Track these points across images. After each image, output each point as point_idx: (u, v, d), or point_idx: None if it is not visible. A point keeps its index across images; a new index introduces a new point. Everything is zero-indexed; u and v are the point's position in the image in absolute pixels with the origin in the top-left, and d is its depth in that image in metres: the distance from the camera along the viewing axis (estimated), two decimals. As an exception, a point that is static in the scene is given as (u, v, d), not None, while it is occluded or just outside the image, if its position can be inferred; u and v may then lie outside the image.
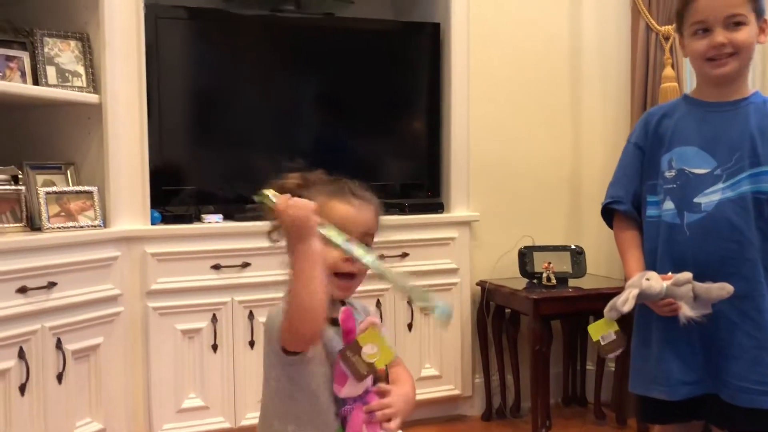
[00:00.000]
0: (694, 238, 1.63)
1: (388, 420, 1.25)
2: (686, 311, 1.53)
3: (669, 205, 1.67)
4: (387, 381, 1.34)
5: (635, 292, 1.55)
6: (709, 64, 1.64)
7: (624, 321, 1.64)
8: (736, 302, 1.58)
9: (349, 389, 1.23)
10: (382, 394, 1.28)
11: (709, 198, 1.63)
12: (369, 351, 1.21)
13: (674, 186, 1.67)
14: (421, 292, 1.14)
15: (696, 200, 1.64)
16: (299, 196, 1.31)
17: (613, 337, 1.59)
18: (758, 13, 1.63)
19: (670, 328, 1.61)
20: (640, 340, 1.72)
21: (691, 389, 1.63)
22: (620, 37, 3.15)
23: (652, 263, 1.69)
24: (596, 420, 3.02)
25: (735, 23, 1.60)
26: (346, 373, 1.22)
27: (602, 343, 1.60)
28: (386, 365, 1.29)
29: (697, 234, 1.63)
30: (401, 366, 1.38)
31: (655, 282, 1.55)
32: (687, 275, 1.55)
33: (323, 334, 1.24)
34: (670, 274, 1.59)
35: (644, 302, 1.61)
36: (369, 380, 1.25)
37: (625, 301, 1.55)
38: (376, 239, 1.37)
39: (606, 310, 1.60)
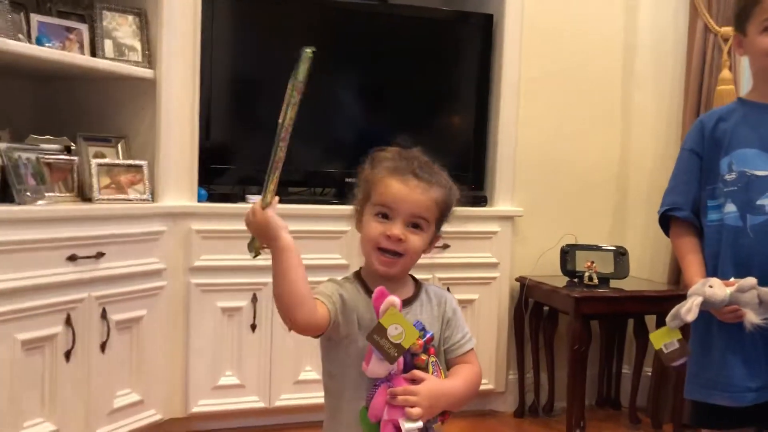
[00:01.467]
0: (759, 241, 1.59)
1: (411, 407, 1.22)
2: (752, 317, 1.49)
3: (731, 207, 1.64)
4: (427, 371, 1.31)
5: (699, 300, 1.51)
6: None
7: (684, 327, 1.60)
8: None
9: (373, 368, 1.23)
10: (413, 381, 1.25)
11: None
12: (393, 332, 1.20)
13: (735, 188, 1.63)
14: (293, 74, 1.16)
15: (759, 202, 1.60)
16: (370, 164, 1.34)
17: (677, 345, 1.55)
18: None
19: (733, 332, 1.57)
20: (700, 345, 1.67)
21: (757, 395, 1.59)
22: (677, 37, 3.09)
23: (714, 268, 1.66)
24: (630, 424, 2.97)
25: None
26: (378, 355, 1.21)
27: (665, 352, 1.56)
28: (428, 356, 1.27)
29: (762, 236, 1.59)
30: (469, 363, 1.35)
31: (719, 289, 1.52)
32: (751, 281, 1.51)
33: (340, 316, 1.26)
34: (732, 279, 1.55)
35: (707, 309, 1.57)
36: (395, 364, 1.23)
37: (689, 310, 1.51)
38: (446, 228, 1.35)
39: (668, 318, 1.56)
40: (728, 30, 2.89)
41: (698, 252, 1.70)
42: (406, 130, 2.95)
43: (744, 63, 2.95)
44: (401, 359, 1.23)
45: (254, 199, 2.63)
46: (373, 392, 1.24)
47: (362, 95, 2.99)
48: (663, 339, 1.56)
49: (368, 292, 1.28)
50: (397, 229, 1.27)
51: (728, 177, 1.65)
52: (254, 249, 1.24)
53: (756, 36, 1.63)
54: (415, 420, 1.21)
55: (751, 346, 1.58)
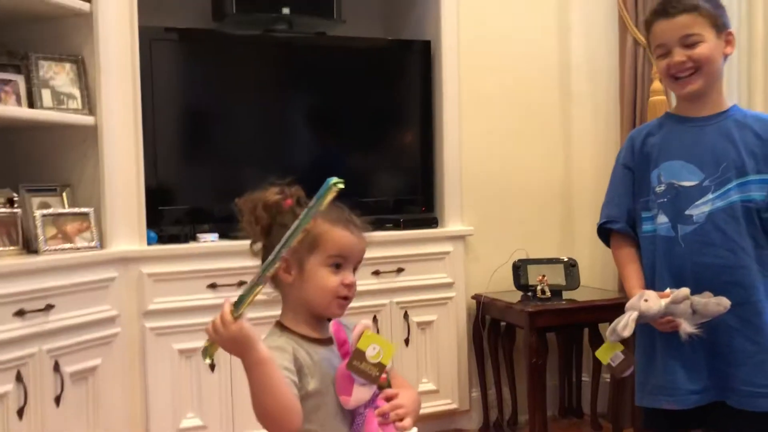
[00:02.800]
0: (690, 250, 1.67)
1: (401, 420, 1.27)
2: (686, 327, 1.56)
3: (663, 218, 1.71)
4: (390, 387, 1.36)
5: (635, 315, 1.58)
6: (675, 83, 1.71)
7: (627, 338, 1.66)
8: (736, 309, 1.61)
9: (356, 397, 1.25)
10: (390, 398, 1.30)
11: (700, 209, 1.67)
12: (372, 353, 1.24)
13: (665, 200, 1.71)
14: (314, 203, 1.14)
15: (687, 212, 1.68)
16: (294, 216, 1.33)
17: (622, 357, 1.62)
18: (719, 28, 1.68)
19: (673, 339, 1.63)
20: (644, 354, 1.74)
21: (700, 398, 1.66)
22: (609, 52, 3.20)
23: (651, 277, 1.73)
24: (592, 431, 3.03)
25: (691, 43, 1.66)
26: (358, 381, 1.24)
27: (613, 365, 1.63)
28: (387, 374, 1.31)
29: (692, 245, 1.66)
30: (398, 375, 1.41)
31: (653, 302, 1.58)
32: (684, 291, 1.58)
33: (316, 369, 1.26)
34: (668, 290, 1.62)
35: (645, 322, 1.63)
36: (375, 386, 1.27)
37: (626, 326, 1.57)
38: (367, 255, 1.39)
39: (608, 333, 1.63)
40: (656, 43, 3.01)
41: (636, 262, 1.77)
42: (356, 156, 3.03)
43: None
44: None
45: (206, 238, 2.64)
46: (361, 420, 1.26)
47: (310, 125, 3.02)
48: (608, 353, 1.62)
49: (305, 338, 1.30)
50: (352, 276, 1.32)
51: (658, 189, 1.72)
52: (209, 356, 1.19)
53: (655, 62, 1.75)
54: (409, 429, 1.28)
55: (690, 352, 1.65)
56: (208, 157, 2.84)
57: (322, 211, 1.33)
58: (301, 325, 1.32)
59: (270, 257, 1.16)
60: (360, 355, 1.24)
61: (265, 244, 1.35)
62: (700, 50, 1.65)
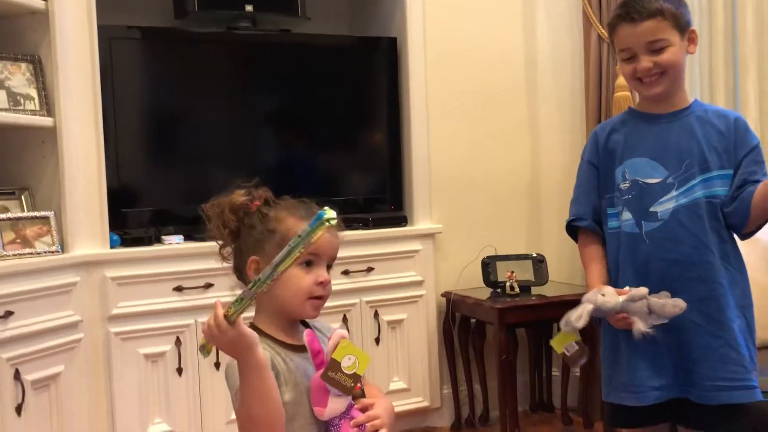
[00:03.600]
0: (654, 246, 1.68)
1: (377, 430, 1.26)
2: (639, 326, 1.57)
3: (627, 215, 1.72)
4: (364, 396, 1.34)
5: (590, 307, 1.59)
6: (640, 85, 1.71)
7: (585, 329, 1.67)
8: (700, 305, 1.63)
9: (331, 408, 1.23)
10: (365, 408, 1.28)
11: (664, 206, 1.68)
12: (347, 363, 1.23)
13: (630, 197, 1.72)
14: (305, 234, 1.12)
15: (652, 209, 1.69)
16: (262, 215, 1.30)
17: (576, 347, 1.63)
18: (682, 28, 1.68)
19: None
20: (609, 349, 1.75)
21: (661, 394, 1.67)
22: (573, 49, 3.22)
23: (615, 274, 1.74)
24: (564, 425, 3.05)
25: (658, 48, 1.66)
26: (333, 392, 1.22)
27: (567, 354, 1.64)
28: (361, 383, 1.29)
29: (657, 242, 1.68)
30: (370, 384, 1.38)
31: (610, 297, 1.59)
32: (642, 291, 1.59)
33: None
34: (627, 288, 1.63)
35: (600, 316, 1.64)
36: (350, 397, 1.25)
37: (580, 317, 1.58)
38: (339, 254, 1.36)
39: (562, 324, 1.63)
40: (619, 39, 3.04)
41: (600, 259, 1.77)
42: (324, 155, 3.00)
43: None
44: None
45: (170, 240, 2.60)
46: (336, 430, 1.24)
47: (276, 124, 2.98)
48: (563, 343, 1.64)
49: (281, 344, 1.28)
50: (326, 274, 1.29)
51: (623, 186, 1.73)
52: (208, 351, 1.18)
53: (620, 63, 1.74)
54: None
55: (654, 349, 1.66)
56: (173, 157, 2.79)
57: (291, 210, 1.31)
58: (275, 330, 1.29)
59: (259, 278, 1.13)
60: (335, 365, 1.22)
61: (234, 247, 1.31)
62: (667, 56, 1.65)
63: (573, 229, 1.87)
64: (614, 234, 1.75)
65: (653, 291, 1.61)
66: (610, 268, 1.75)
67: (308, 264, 1.28)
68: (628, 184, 1.71)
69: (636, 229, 1.70)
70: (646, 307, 1.57)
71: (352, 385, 1.23)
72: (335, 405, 1.23)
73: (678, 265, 1.65)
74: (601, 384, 1.79)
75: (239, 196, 1.31)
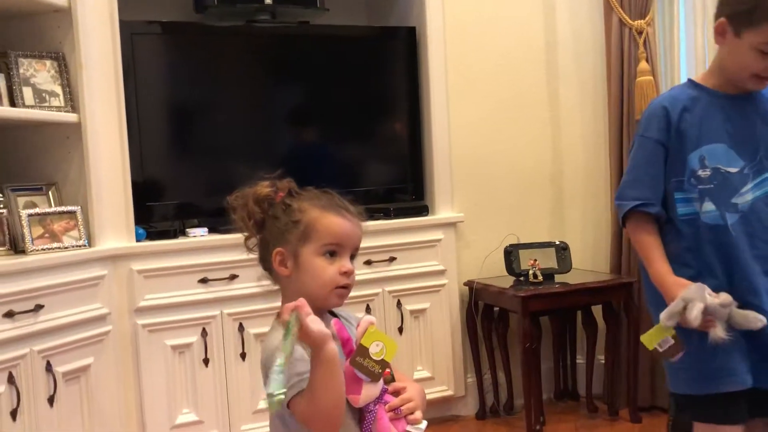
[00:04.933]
0: (740, 239, 1.61)
1: (412, 413, 1.27)
2: (719, 332, 1.52)
3: (709, 206, 1.63)
4: (393, 380, 1.35)
5: (701, 306, 1.52)
6: (754, 80, 1.60)
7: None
8: None
9: (366, 395, 1.24)
10: (398, 392, 1.29)
11: (744, 198, 1.61)
12: (375, 350, 1.23)
13: (712, 186, 1.62)
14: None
15: (734, 200, 1.62)
16: (285, 206, 1.31)
17: (671, 341, 1.57)
18: None
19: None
20: (699, 338, 1.61)
21: (749, 379, 1.61)
22: (594, 33, 3.19)
23: (696, 265, 1.64)
24: (589, 413, 3.05)
25: None
26: (362, 377, 1.23)
27: (660, 350, 1.57)
28: (391, 369, 1.31)
29: (740, 234, 1.61)
30: (399, 372, 1.40)
31: (718, 299, 1.54)
32: (730, 298, 1.54)
33: None
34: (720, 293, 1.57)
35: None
36: (382, 381, 1.27)
37: (696, 318, 1.50)
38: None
39: (664, 317, 1.55)
40: (642, 23, 3.00)
41: (662, 247, 1.67)
42: (344, 146, 3.01)
43: (659, 53, 3.06)
44: None
45: (195, 233, 2.63)
46: (372, 417, 1.25)
47: (297, 116, 3.00)
48: (656, 338, 1.57)
49: None
50: (349, 263, 1.30)
51: (702, 173, 1.63)
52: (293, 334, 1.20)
53: (748, 50, 1.57)
54: (421, 422, 1.28)
55: (743, 338, 1.59)
56: (195, 150, 2.82)
57: (314, 201, 1.32)
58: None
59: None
60: (363, 351, 1.23)
61: (260, 238, 1.33)
62: None
63: (627, 212, 1.70)
64: (688, 221, 1.64)
65: (735, 286, 1.58)
66: (687, 258, 1.65)
67: (332, 254, 1.28)
68: (708, 172, 1.62)
69: (720, 221, 1.61)
70: (728, 315, 1.54)
71: (380, 371, 1.24)
72: (369, 391, 1.24)
73: (759, 260, 1.60)
74: (672, 375, 1.68)
75: (264, 188, 1.31)
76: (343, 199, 1.34)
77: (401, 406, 1.27)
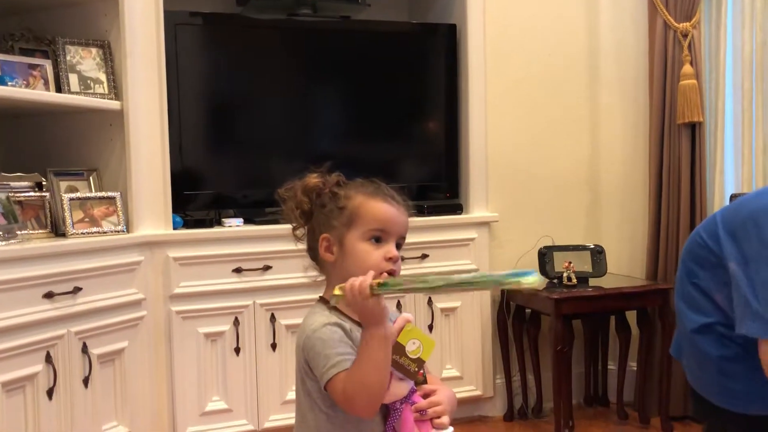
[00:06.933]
0: None
1: (438, 417, 1.26)
2: None
3: None
4: (426, 383, 1.34)
5: None
6: None
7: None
8: None
9: (394, 392, 1.23)
10: (428, 394, 1.28)
11: None
12: (411, 347, 1.22)
13: None
14: (500, 276, 1.13)
15: None
16: (332, 194, 1.32)
17: None
18: None
19: None
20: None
21: None
22: (638, 35, 3.14)
23: None
24: (619, 420, 3.00)
25: None
26: (396, 375, 1.22)
27: None
28: (424, 370, 1.29)
29: None
30: (432, 375, 1.38)
31: None
32: None
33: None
34: None
35: None
36: (412, 382, 1.25)
37: None
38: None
39: None
40: (687, 25, 2.94)
41: None
42: (380, 142, 3.01)
43: (704, 56, 3.00)
44: None
45: (231, 222, 2.65)
46: (397, 415, 1.24)
47: (335, 111, 3.01)
48: None
49: (351, 320, 1.27)
50: (395, 249, 1.29)
51: None
52: (335, 300, 1.23)
53: None
54: (446, 427, 1.26)
55: None
56: (233, 142, 2.84)
57: (360, 188, 1.32)
58: (343, 304, 1.28)
59: (426, 279, 1.17)
60: (400, 349, 1.22)
61: (308, 228, 1.33)
62: None
63: None
64: None
65: None
66: None
67: (377, 240, 1.28)
68: None
69: None
70: None
71: (416, 369, 1.22)
72: (397, 389, 1.23)
73: None
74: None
75: (313, 179, 1.33)
76: (390, 188, 1.34)
77: (428, 408, 1.26)
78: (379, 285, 1.17)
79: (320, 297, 1.33)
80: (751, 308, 1.52)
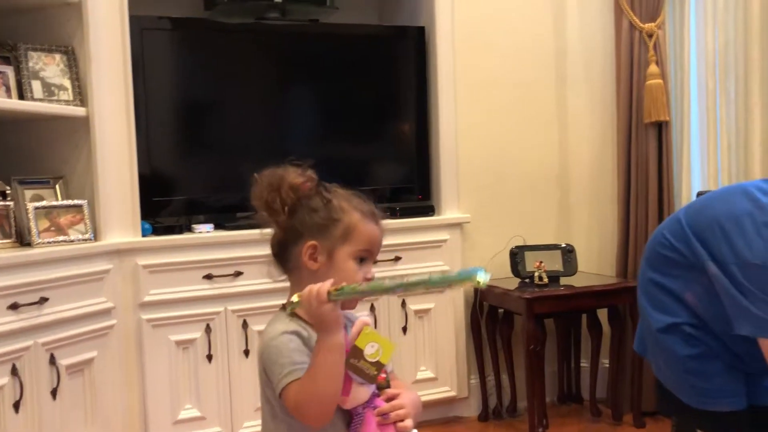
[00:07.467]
0: None
1: (401, 420, 1.25)
2: None
3: None
4: (390, 387, 1.34)
5: None
6: None
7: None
8: None
9: (354, 396, 1.23)
10: (391, 398, 1.28)
11: None
12: (370, 351, 1.22)
13: None
14: (452, 276, 1.15)
15: None
16: (325, 201, 1.30)
17: None
18: None
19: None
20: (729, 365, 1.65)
21: None
22: (604, 36, 3.18)
23: None
24: (592, 417, 3.03)
25: None
26: (356, 380, 1.22)
27: None
28: (387, 374, 1.29)
29: None
30: (398, 380, 1.38)
31: None
32: None
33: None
34: None
35: None
36: (373, 386, 1.25)
37: None
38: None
39: None
40: (652, 26, 2.98)
41: None
42: (352, 145, 3.01)
43: (669, 56, 3.05)
44: None
45: (201, 228, 2.63)
46: (359, 420, 1.24)
47: (306, 114, 2.99)
48: None
49: (310, 325, 1.26)
50: (372, 271, 1.31)
51: None
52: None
53: None
54: (410, 430, 1.26)
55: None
56: (203, 147, 2.82)
57: (352, 202, 1.31)
58: (302, 312, 1.28)
59: (383, 283, 1.20)
60: (358, 352, 1.22)
61: (285, 226, 1.31)
62: None
63: None
64: None
65: None
66: None
67: (361, 260, 1.29)
68: None
69: None
70: None
71: (376, 373, 1.22)
72: (358, 394, 1.23)
73: None
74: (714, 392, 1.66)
75: (296, 176, 1.31)
76: (374, 204, 1.34)
77: (390, 412, 1.25)
78: (337, 291, 1.18)
79: (283, 305, 1.32)
80: (743, 308, 1.54)
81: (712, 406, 1.64)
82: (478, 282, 1.10)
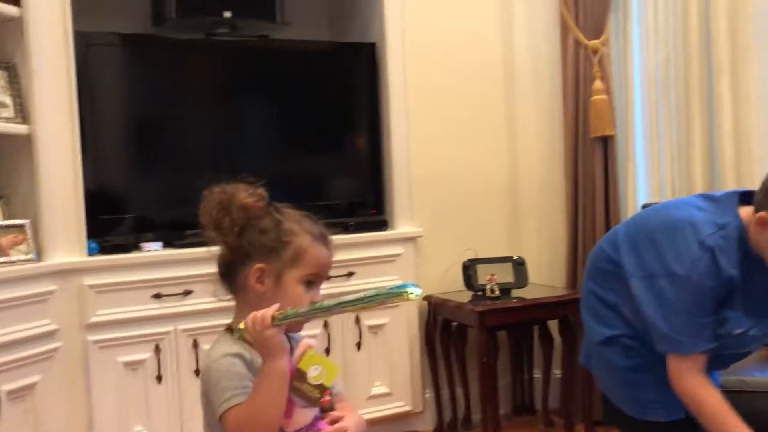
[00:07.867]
0: None
1: None
2: None
3: None
4: (333, 410, 1.33)
5: None
6: None
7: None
8: None
9: (296, 420, 1.22)
10: (334, 421, 1.27)
11: None
12: (313, 373, 1.21)
13: None
14: (385, 292, 1.15)
15: None
16: (276, 222, 1.29)
17: None
18: None
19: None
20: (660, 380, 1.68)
21: None
22: (551, 52, 3.24)
23: None
24: (545, 428, 3.07)
25: None
26: (299, 403, 1.21)
27: None
28: (331, 396, 1.28)
29: None
30: (344, 402, 1.37)
31: None
32: None
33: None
34: None
35: None
36: (316, 409, 1.25)
37: None
38: None
39: None
40: (597, 43, 3.06)
41: None
42: (304, 160, 3.00)
43: (613, 72, 3.13)
44: None
45: (149, 247, 2.58)
46: None
47: (258, 130, 2.98)
48: None
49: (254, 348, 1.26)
50: (319, 295, 1.29)
51: None
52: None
53: None
54: None
55: None
56: (152, 164, 2.77)
57: (303, 224, 1.30)
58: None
59: (322, 304, 1.19)
60: (301, 375, 1.21)
61: (233, 246, 1.29)
62: None
63: None
64: None
65: None
66: None
67: (309, 283, 1.28)
68: None
69: None
70: None
71: (319, 396, 1.21)
72: (300, 417, 1.22)
73: None
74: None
75: (247, 195, 1.29)
76: (323, 226, 1.33)
77: None
78: (281, 315, 1.17)
79: (227, 326, 1.30)
80: (657, 328, 1.60)
81: (651, 416, 1.68)
82: (410, 296, 1.10)
